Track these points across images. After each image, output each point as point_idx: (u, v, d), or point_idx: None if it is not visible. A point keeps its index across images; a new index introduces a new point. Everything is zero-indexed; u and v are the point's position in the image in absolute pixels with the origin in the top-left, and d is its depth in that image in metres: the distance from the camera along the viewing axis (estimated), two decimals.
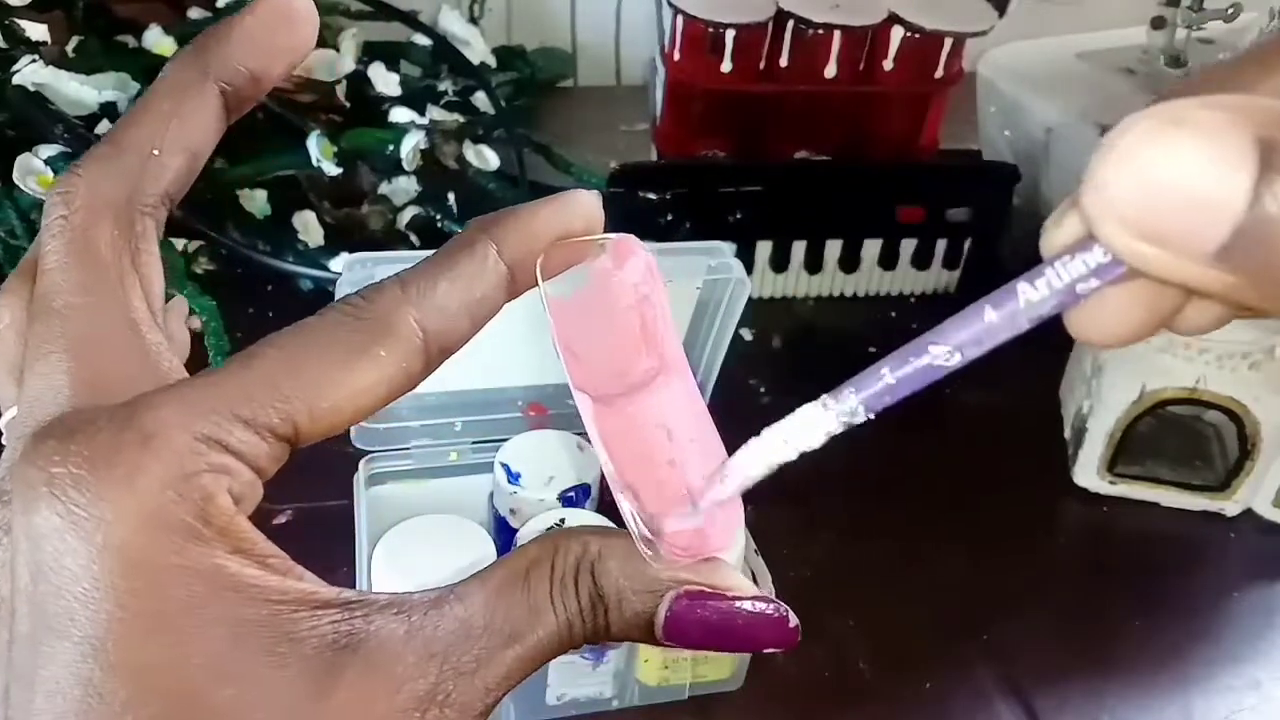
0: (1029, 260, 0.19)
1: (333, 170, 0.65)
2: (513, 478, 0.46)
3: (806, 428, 0.20)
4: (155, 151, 0.23)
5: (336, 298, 0.22)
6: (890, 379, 0.19)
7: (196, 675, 0.18)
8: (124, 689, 0.18)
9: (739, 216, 0.66)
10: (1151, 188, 0.16)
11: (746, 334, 0.67)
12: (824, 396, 0.20)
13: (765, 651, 0.23)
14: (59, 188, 0.22)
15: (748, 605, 0.22)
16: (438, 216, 0.67)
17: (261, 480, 0.20)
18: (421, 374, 0.21)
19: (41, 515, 0.18)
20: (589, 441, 0.26)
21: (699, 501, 0.22)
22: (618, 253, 0.24)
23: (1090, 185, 0.16)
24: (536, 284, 0.23)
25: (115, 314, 0.22)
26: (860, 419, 0.20)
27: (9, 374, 0.25)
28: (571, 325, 0.23)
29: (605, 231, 0.24)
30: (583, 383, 0.23)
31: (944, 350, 0.19)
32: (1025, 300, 0.18)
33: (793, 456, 0.21)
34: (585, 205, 0.23)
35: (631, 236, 0.24)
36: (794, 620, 0.22)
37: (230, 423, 0.19)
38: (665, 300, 0.24)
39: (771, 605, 0.22)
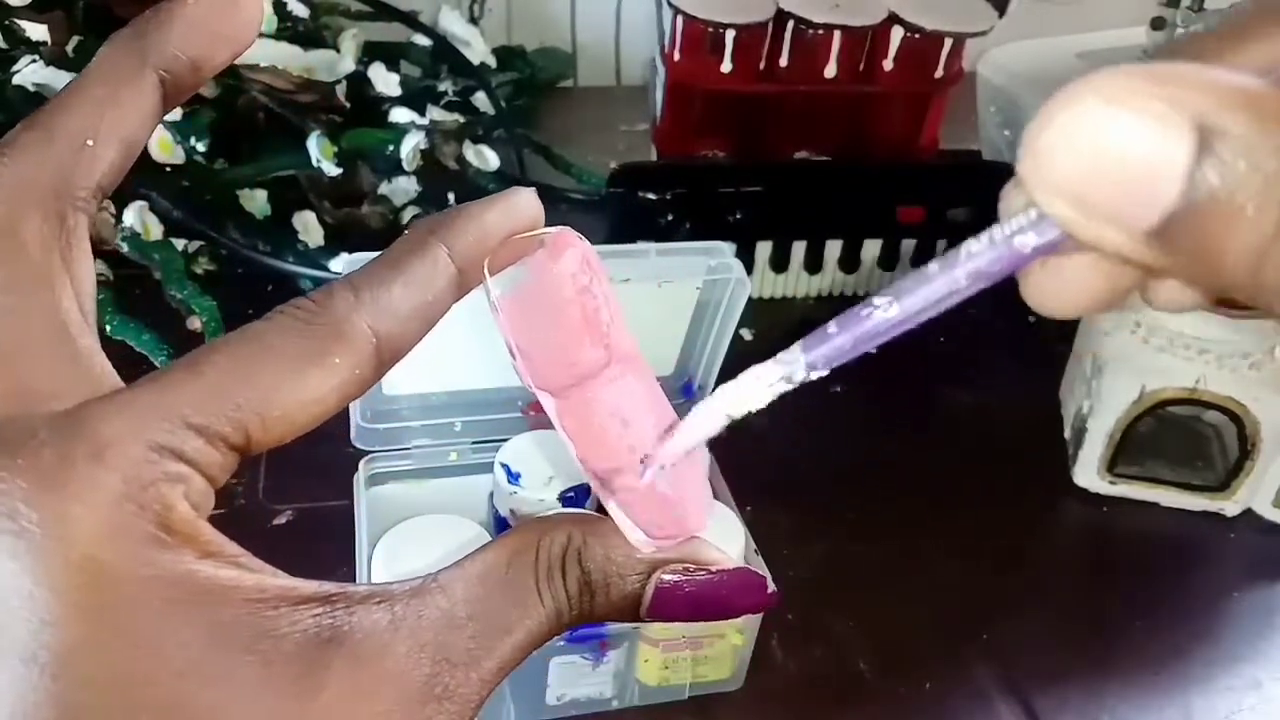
0: None
1: (333, 170, 0.65)
2: (513, 478, 0.46)
3: (754, 384, 0.20)
4: (89, 141, 0.21)
5: None
6: (837, 336, 0.19)
7: (179, 683, 0.18)
8: (106, 706, 0.17)
9: (739, 216, 0.66)
10: (1087, 162, 0.16)
11: (746, 334, 0.67)
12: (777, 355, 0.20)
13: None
14: None
15: (728, 576, 0.23)
16: None
17: (213, 490, 0.19)
18: (373, 379, 0.21)
19: None
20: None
21: (654, 459, 0.22)
22: (555, 246, 0.24)
23: (1028, 152, 0.16)
24: (483, 283, 0.23)
25: (43, 315, 0.20)
26: (811, 375, 0.20)
27: None
28: (517, 322, 0.23)
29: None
30: (534, 378, 0.23)
31: (885, 301, 0.19)
32: (966, 252, 0.18)
33: (740, 414, 0.21)
34: (529, 203, 0.23)
35: (569, 229, 0.24)
36: (772, 585, 0.23)
37: (183, 431, 0.19)
38: (609, 291, 0.24)
39: (750, 572, 0.23)
